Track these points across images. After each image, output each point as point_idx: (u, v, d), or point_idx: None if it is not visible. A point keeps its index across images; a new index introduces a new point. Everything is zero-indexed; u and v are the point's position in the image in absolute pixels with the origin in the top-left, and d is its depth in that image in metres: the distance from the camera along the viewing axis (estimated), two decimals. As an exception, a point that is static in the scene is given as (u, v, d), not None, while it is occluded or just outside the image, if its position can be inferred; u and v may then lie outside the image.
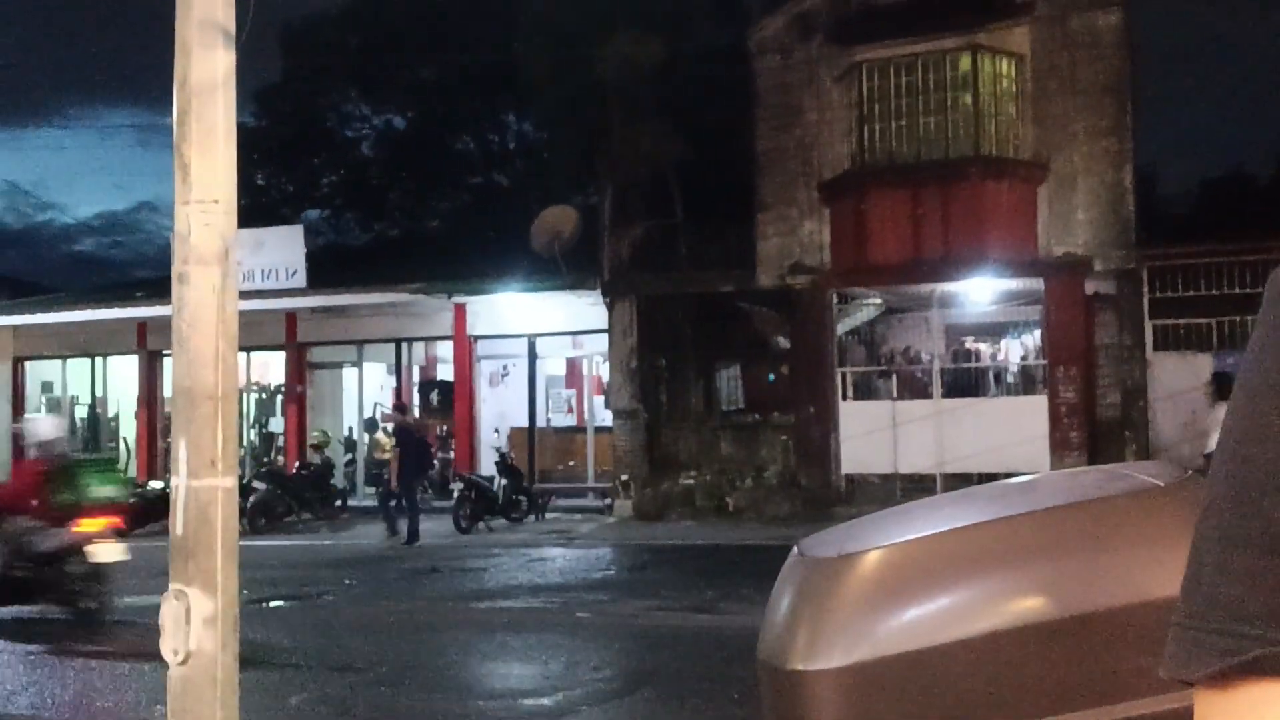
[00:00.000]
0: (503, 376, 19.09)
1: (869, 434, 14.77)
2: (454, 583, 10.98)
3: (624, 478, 15.96)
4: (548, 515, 15.93)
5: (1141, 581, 1.45)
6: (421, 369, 19.92)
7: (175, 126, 3.50)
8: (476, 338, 18.23)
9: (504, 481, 15.45)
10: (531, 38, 17.92)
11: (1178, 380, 13.81)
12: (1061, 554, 1.52)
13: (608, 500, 16.28)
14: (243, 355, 16.24)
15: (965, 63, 14.68)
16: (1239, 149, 40.75)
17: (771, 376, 16.65)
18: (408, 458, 13.97)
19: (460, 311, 17.96)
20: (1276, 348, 0.54)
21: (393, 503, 14.17)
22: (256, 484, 15.83)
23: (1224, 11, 44.08)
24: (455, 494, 14.92)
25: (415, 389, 19.35)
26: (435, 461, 17.38)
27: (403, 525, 13.69)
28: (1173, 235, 14.75)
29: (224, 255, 3.47)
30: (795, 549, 1.70)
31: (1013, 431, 14.00)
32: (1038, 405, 14.25)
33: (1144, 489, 1.60)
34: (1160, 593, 1.39)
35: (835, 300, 15.38)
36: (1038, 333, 14.87)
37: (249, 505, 14.58)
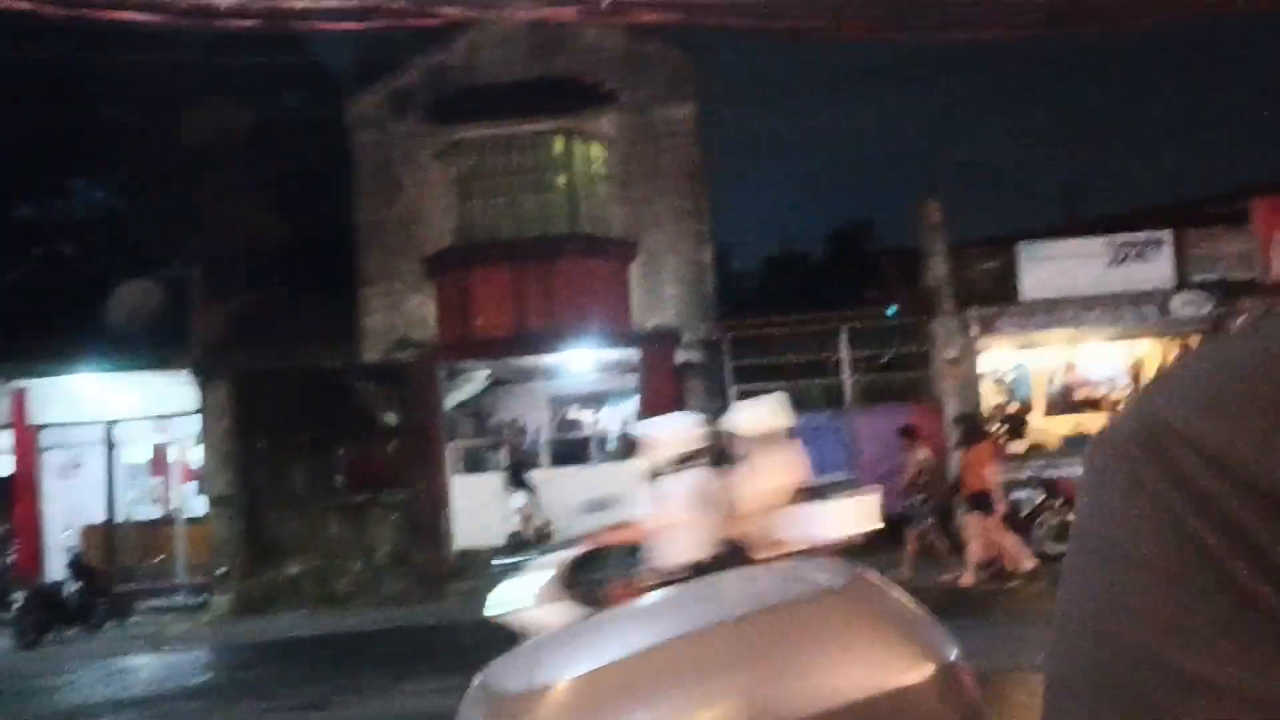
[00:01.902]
0: (75, 468, 17.13)
1: (481, 507, 14.79)
2: (18, 707, 9.59)
3: (222, 570, 14.82)
4: (133, 619, 14.42)
5: (832, 687, 1.46)
6: (-29, 464, 17.42)
7: None
8: (41, 426, 16.29)
9: (77, 585, 13.81)
10: (112, 101, 16.56)
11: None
12: (755, 664, 1.50)
13: (203, 597, 15.03)
14: None
15: (559, 145, 15.38)
16: (800, 230, 45.75)
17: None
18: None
19: (19, 397, 15.99)
20: (1139, 519, 0.52)
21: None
22: None
23: (786, 110, 49.63)
24: (17, 605, 13.13)
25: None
26: (-9, 569, 15.21)
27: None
28: (748, 307, 16.19)
29: None
30: (478, 680, 1.57)
31: (617, 493, 14.57)
32: (638, 469, 14.93)
33: (823, 592, 1.61)
34: (850, 696, 1.41)
35: (443, 374, 15.35)
36: (635, 400, 15.66)
37: None
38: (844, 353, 15.55)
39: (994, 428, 15.71)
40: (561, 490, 14.78)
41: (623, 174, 15.51)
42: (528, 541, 12.86)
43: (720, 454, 6.57)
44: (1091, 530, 0.55)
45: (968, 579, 11.39)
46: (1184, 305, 15.08)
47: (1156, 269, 15.21)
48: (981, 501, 11.40)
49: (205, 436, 15.38)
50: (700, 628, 1.56)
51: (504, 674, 1.58)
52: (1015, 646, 6.95)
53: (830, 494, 6.87)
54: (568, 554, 6.16)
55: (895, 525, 11.41)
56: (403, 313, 15.35)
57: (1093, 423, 16.02)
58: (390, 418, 15.65)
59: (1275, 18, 15.42)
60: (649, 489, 6.05)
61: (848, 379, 15.47)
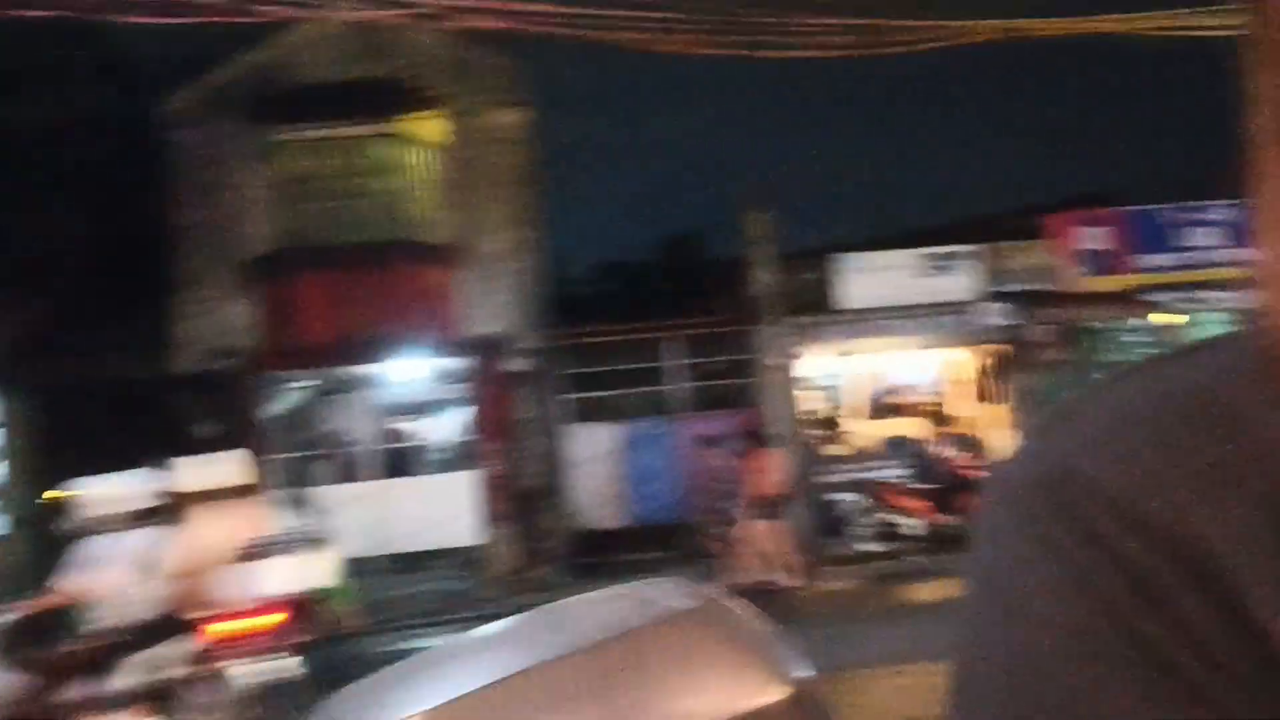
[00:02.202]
0: None
1: (304, 522, 14.33)
2: None
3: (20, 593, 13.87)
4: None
5: (688, 712, 1.45)
6: None
7: None
8: None
9: None
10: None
11: (593, 449, 15.16)
12: (611, 692, 1.48)
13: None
14: None
15: (384, 149, 15.09)
16: (633, 238, 46.20)
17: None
18: None
19: None
20: (1047, 576, 0.48)
21: None
22: None
23: (620, 119, 50.02)
24: None
25: None
26: None
27: None
28: (581, 315, 16.25)
29: None
30: (318, 714, 1.52)
31: (448, 507, 14.41)
32: (468, 480, 14.81)
33: (675, 615, 1.59)
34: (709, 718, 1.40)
35: (264, 385, 14.82)
36: (466, 410, 15.50)
37: None
38: (674, 361, 15.78)
39: (809, 433, 16.26)
40: (385, 505, 14.50)
41: (452, 179, 15.33)
42: None
43: (164, 512, 6.49)
44: (994, 581, 0.51)
45: (782, 580, 11.34)
46: (988, 315, 15.95)
47: (963, 280, 16.03)
48: (766, 507, 11.36)
49: (8, 453, 14.40)
50: (553, 657, 1.53)
51: (346, 709, 1.53)
52: (833, 647, 7.23)
53: (284, 550, 6.89)
54: (6, 618, 5.94)
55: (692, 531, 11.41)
56: (221, 320, 14.74)
57: (907, 427, 16.78)
58: (205, 431, 14.98)
59: (1075, 44, 16.50)
60: (89, 549, 5.96)
61: (677, 387, 15.71)
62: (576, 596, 2.04)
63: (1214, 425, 0.48)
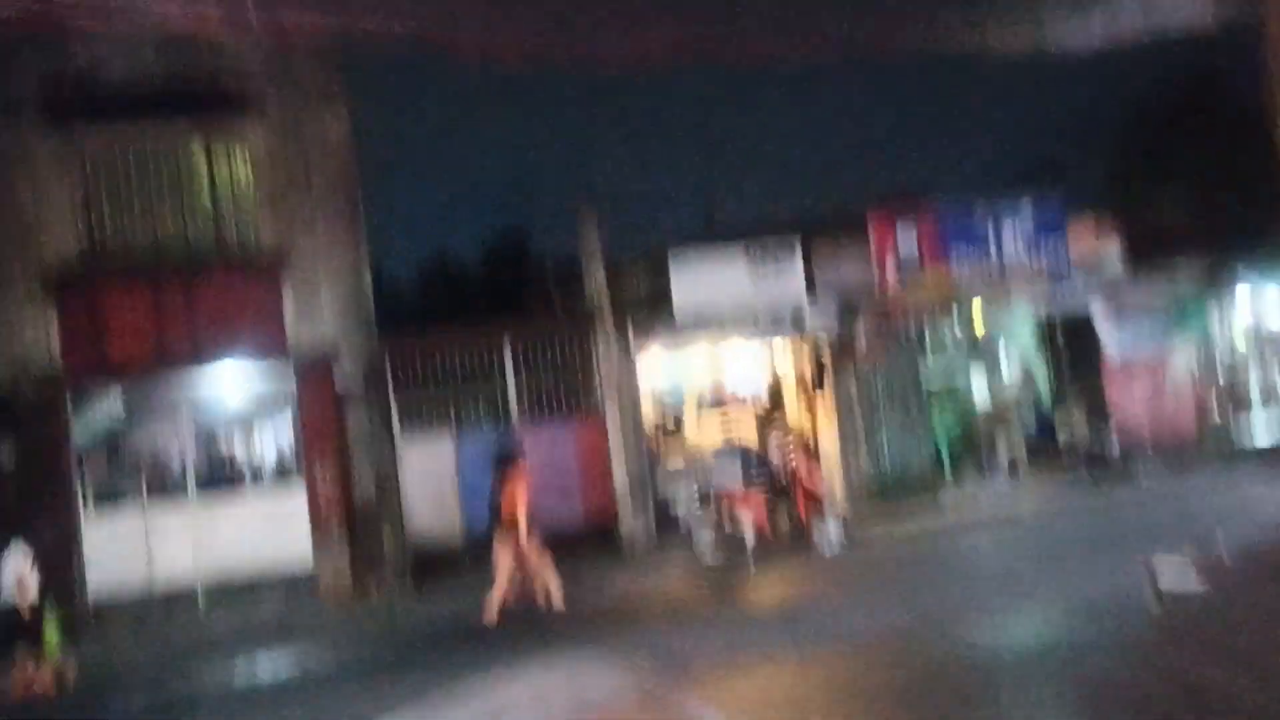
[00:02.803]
0: None
1: (118, 550, 13.54)
2: None
3: None
4: None
5: None
6: None
7: None
8: None
9: None
10: None
11: (426, 460, 14.83)
12: None
13: None
14: None
15: (199, 154, 14.38)
16: (464, 241, 45.50)
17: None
18: None
19: None
20: None
21: None
22: None
23: (446, 119, 49.15)
24: None
25: None
26: None
27: None
28: (409, 322, 15.90)
29: None
30: None
31: (274, 527, 13.86)
32: (296, 498, 14.27)
33: (621, 694, 1.54)
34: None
35: (70, 403, 13.90)
36: (292, 424, 14.91)
37: None
38: (508, 365, 15.59)
39: (651, 433, 16.37)
40: (205, 528, 13.83)
41: (272, 184, 14.72)
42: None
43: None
44: None
45: (489, 616, 10.60)
46: (817, 313, 16.39)
47: (792, 279, 16.40)
48: (513, 529, 10.77)
49: None
50: None
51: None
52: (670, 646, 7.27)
53: None
54: None
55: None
56: (18, 334, 13.75)
57: (741, 428, 17.10)
58: (3, 456, 13.97)
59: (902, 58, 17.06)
60: None
61: (515, 393, 15.52)
62: (518, 685, 1.91)
63: None
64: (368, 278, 15.10)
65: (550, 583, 10.86)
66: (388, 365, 14.95)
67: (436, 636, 11.05)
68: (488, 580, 10.86)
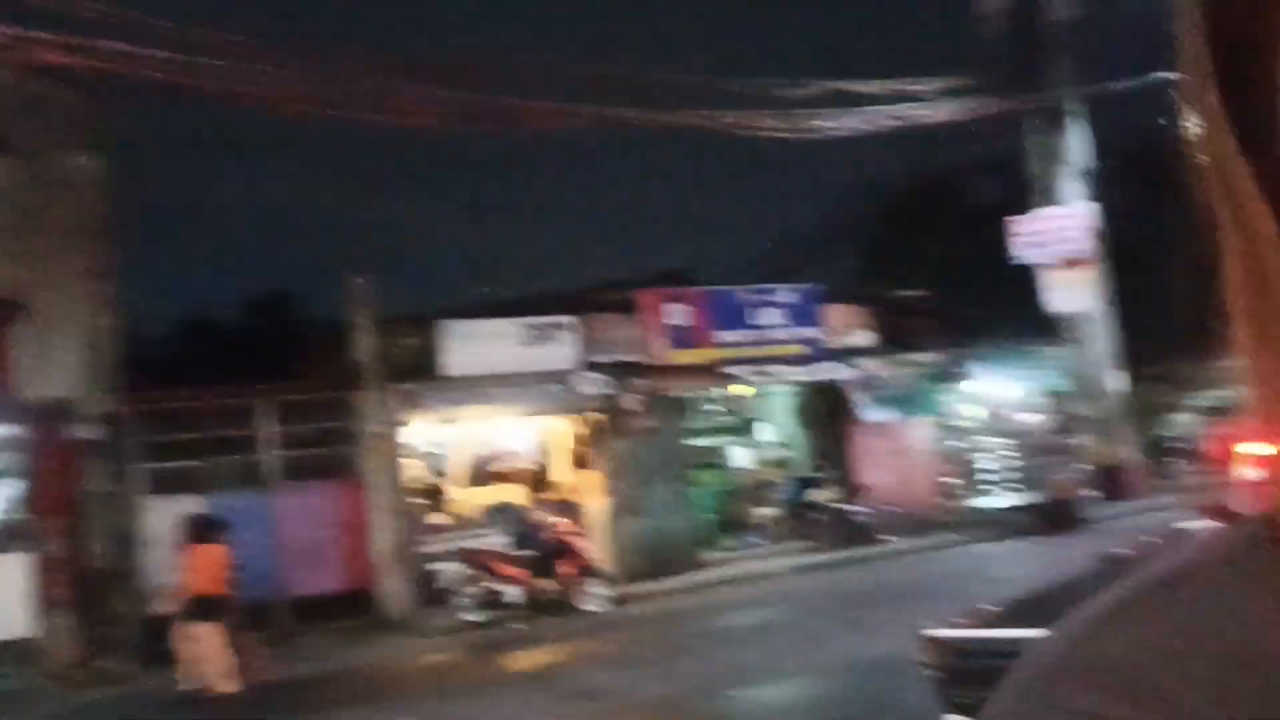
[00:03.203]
0: None
1: None
2: None
3: None
4: None
5: None
6: None
7: None
8: None
9: None
10: None
11: (172, 524, 13.88)
12: None
13: None
14: None
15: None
16: (223, 297, 43.46)
17: None
18: None
19: None
20: None
21: None
22: None
23: (208, 169, 47.18)
24: None
25: None
26: None
27: None
28: (161, 378, 15.00)
29: None
30: None
31: (-6, 595, 12.59)
32: (20, 563, 13.04)
33: None
34: None
35: None
36: (21, 482, 13.68)
37: None
38: (268, 428, 14.93)
39: (411, 501, 16.00)
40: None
41: (13, 226, 13.66)
42: None
43: None
44: None
45: (226, 686, 10.37)
46: (586, 384, 16.60)
47: (562, 350, 16.59)
48: (210, 608, 10.53)
49: None
50: None
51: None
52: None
53: None
54: None
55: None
56: None
57: (509, 494, 16.98)
58: None
59: (668, 134, 17.77)
60: None
61: (272, 455, 14.85)
62: None
63: (1260, 686, 0.42)
64: (115, 330, 14.17)
65: (230, 665, 10.41)
66: (133, 423, 14.00)
67: (164, 710, 10.32)
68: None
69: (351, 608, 14.19)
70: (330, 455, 15.23)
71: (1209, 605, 0.44)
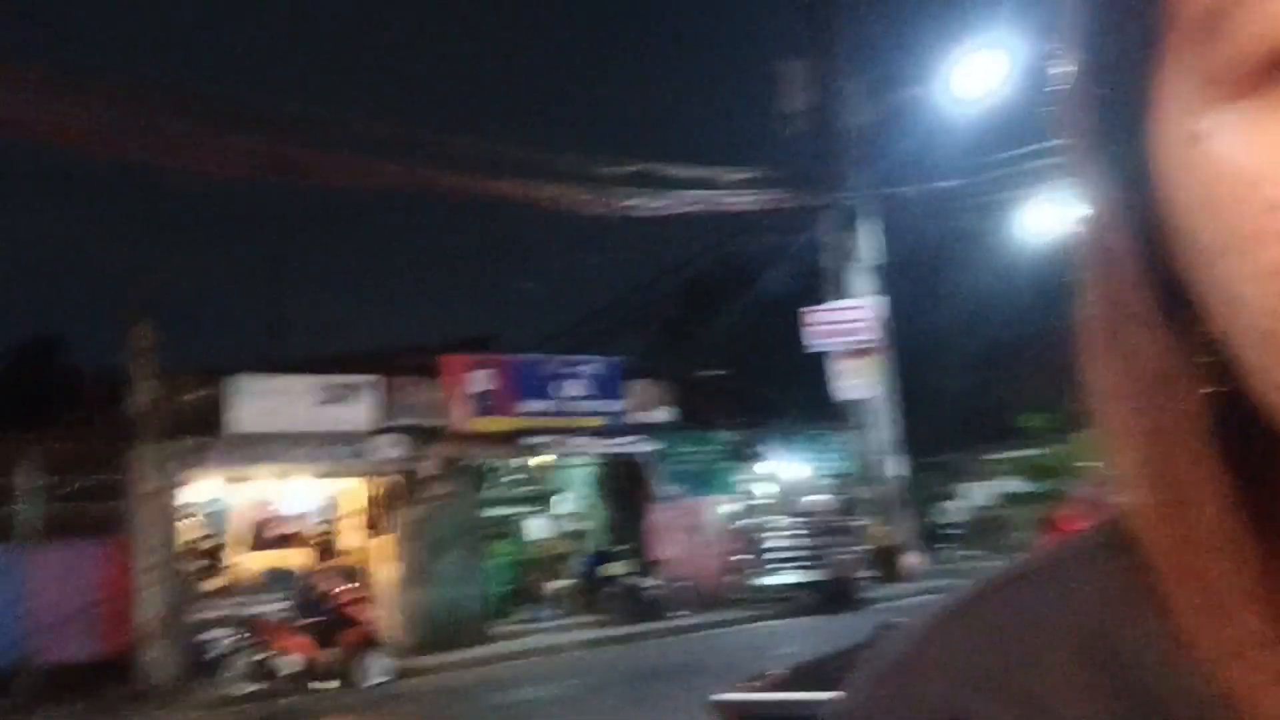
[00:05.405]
0: None
1: None
2: None
3: None
4: None
5: None
6: None
7: None
8: None
9: None
10: None
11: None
12: None
13: None
14: None
15: None
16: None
17: None
18: None
19: None
20: None
21: None
22: None
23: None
24: None
25: None
26: None
27: None
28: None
29: None
30: None
31: None
32: None
33: None
34: None
35: None
36: None
37: None
38: (28, 479, 13.84)
39: (185, 565, 15.11)
40: None
41: None
42: None
43: None
44: None
45: None
46: (383, 447, 16.19)
47: (360, 411, 16.16)
48: None
49: None
50: None
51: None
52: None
53: None
54: None
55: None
56: None
57: (291, 559, 16.26)
58: None
59: (478, 200, 17.75)
60: None
61: (31, 509, 13.74)
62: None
63: (1108, 674, 0.43)
64: None
65: None
66: None
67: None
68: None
69: (111, 676, 13.19)
70: (97, 511, 14.23)
71: (1058, 597, 0.45)
